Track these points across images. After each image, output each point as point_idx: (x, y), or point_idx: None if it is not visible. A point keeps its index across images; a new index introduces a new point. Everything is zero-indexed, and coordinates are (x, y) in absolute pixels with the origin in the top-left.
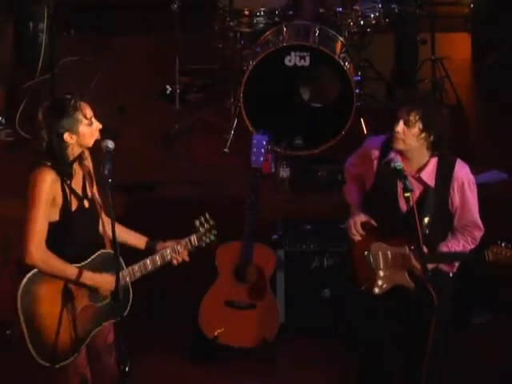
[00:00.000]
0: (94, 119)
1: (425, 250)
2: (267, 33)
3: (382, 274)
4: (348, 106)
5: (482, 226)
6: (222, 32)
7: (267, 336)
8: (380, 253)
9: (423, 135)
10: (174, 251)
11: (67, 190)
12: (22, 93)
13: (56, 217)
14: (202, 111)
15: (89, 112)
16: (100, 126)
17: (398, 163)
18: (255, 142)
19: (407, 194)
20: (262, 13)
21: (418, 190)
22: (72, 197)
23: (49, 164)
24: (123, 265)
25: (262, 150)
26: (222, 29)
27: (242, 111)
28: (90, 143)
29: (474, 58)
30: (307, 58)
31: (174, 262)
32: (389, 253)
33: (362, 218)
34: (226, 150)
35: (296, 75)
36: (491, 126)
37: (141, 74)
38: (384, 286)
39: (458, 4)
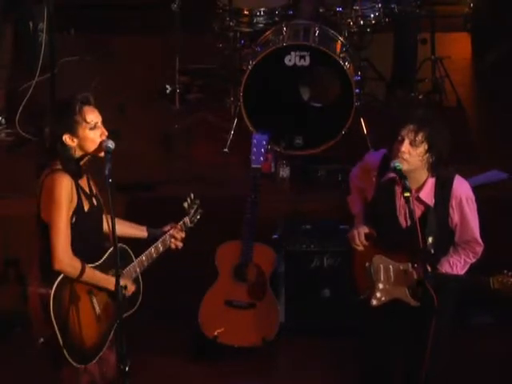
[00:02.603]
0: (99, 125)
1: (429, 269)
2: (267, 32)
3: (381, 286)
4: (348, 105)
5: (481, 242)
6: (222, 32)
7: (267, 335)
8: (382, 266)
9: (426, 156)
10: (173, 236)
11: (80, 191)
12: (22, 93)
13: (72, 219)
14: (202, 111)
15: (93, 117)
16: (105, 133)
17: (398, 163)
18: (255, 141)
19: (407, 194)
20: (262, 12)
21: (418, 210)
22: (84, 197)
23: (60, 167)
24: (133, 257)
25: (262, 150)
26: (221, 28)
27: (241, 111)
28: (91, 148)
29: (474, 58)
30: (307, 58)
31: (173, 246)
32: (390, 267)
33: (365, 229)
34: (226, 149)
35: (296, 75)
36: (491, 126)
37: (141, 74)
38: (382, 298)
39: (458, 3)
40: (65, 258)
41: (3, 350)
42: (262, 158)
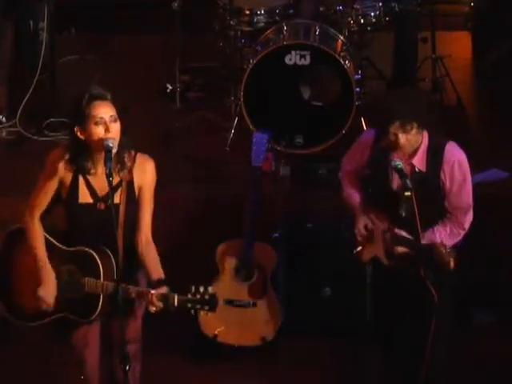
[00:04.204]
0: (105, 120)
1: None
2: (267, 31)
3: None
4: (348, 104)
5: (471, 208)
6: (223, 31)
7: (267, 335)
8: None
9: (419, 129)
10: (150, 296)
11: (80, 181)
12: (23, 91)
13: (65, 197)
14: (203, 110)
15: (99, 112)
16: (113, 131)
17: (398, 162)
18: (255, 140)
19: (407, 194)
20: (263, 11)
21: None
22: (84, 190)
23: (67, 148)
24: (101, 272)
25: (263, 149)
26: (222, 27)
27: (242, 110)
28: (98, 144)
29: (475, 57)
30: (307, 57)
31: (150, 307)
32: (375, 225)
33: (365, 220)
34: (227, 148)
35: (296, 74)
36: (491, 125)
37: (141, 73)
38: (368, 255)
39: (458, 2)
40: (27, 214)
41: (4, 349)
42: (262, 157)
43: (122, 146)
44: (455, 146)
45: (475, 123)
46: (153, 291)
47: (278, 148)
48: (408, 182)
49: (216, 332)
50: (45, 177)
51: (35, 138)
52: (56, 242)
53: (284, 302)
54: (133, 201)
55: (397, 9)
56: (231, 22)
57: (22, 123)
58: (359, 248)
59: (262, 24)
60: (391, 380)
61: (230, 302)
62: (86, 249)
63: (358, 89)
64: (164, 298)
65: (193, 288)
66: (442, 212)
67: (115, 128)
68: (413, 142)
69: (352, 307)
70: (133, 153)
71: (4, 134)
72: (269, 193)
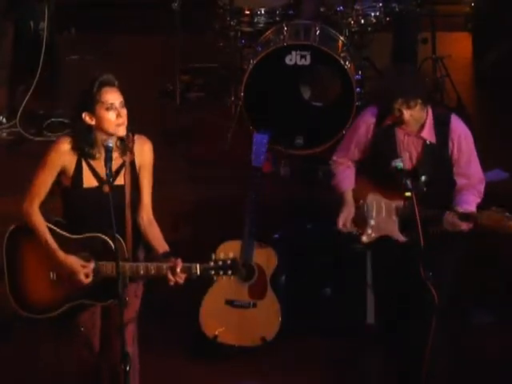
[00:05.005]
0: (116, 106)
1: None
2: (268, 32)
3: (372, 223)
4: (349, 105)
5: (483, 176)
6: (223, 31)
7: (267, 335)
8: (374, 203)
9: (423, 105)
10: (171, 270)
11: (84, 167)
12: (23, 92)
13: (68, 184)
14: (203, 110)
15: (109, 97)
16: (123, 116)
17: (399, 163)
18: (256, 140)
19: (408, 194)
20: (263, 12)
21: (416, 149)
22: (88, 175)
23: (72, 135)
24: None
25: (263, 149)
26: (222, 28)
27: (242, 110)
28: (110, 130)
29: (475, 57)
30: (308, 57)
31: (170, 282)
32: (383, 204)
33: (351, 213)
34: (227, 148)
35: (297, 74)
36: (491, 125)
37: (141, 73)
38: (372, 235)
39: (458, 3)
40: (25, 206)
41: (4, 348)
42: (262, 158)
43: (128, 130)
44: (458, 118)
45: (475, 123)
46: (178, 264)
47: (278, 148)
48: (408, 182)
49: (216, 332)
50: (46, 167)
51: (35, 138)
52: (61, 232)
53: (284, 302)
54: (136, 181)
55: (397, 9)
56: (231, 23)
57: (22, 124)
58: (357, 230)
59: (262, 24)
60: (391, 380)
61: (230, 303)
62: (98, 234)
63: (358, 89)
64: (187, 268)
65: (213, 255)
66: (453, 185)
67: (125, 113)
68: (417, 117)
69: (352, 307)
70: (130, 134)
71: (4, 134)
72: (269, 193)
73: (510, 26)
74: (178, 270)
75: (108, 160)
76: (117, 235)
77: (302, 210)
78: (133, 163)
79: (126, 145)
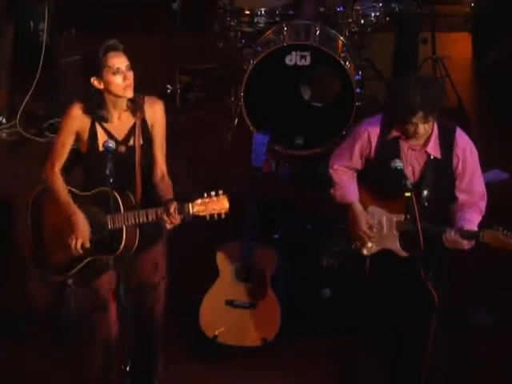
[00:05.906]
0: (122, 70)
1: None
2: (268, 32)
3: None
4: (349, 105)
5: (485, 194)
6: (223, 31)
7: (267, 335)
8: (375, 216)
9: (434, 117)
10: (166, 211)
11: (98, 130)
12: (23, 92)
13: (84, 150)
14: (203, 110)
15: (116, 61)
16: (129, 79)
17: (399, 163)
18: (256, 141)
19: (408, 194)
20: (263, 12)
21: (418, 165)
22: (103, 137)
23: (82, 100)
24: (121, 207)
25: (263, 150)
26: (222, 28)
27: (242, 110)
28: (119, 93)
29: (475, 58)
30: (308, 58)
31: (166, 223)
32: (384, 217)
33: (366, 219)
34: (227, 149)
35: (296, 74)
36: (491, 125)
37: (141, 74)
38: (373, 248)
39: (458, 3)
40: (46, 170)
41: (5, 347)
42: (262, 158)
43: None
44: (463, 132)
45: (475, 124)
46: (172, 205)
47: (278, 149)
48: (408, 182)
49: (216, 333)
50: (62, 132)
51: (35, 138)
52: (76, 191)
53: (284, 303)
54: (149, 140)
55: (397, 9)
56: (231, 23)
57: (23, 124)
58: (357, 243)
59: (262, 24)
60: (391, 380)
61: (230, 303)
62: (105, 188)
63: (358, 89)
64: (180, 209)
65: (205, 194)
66: (453, 201)
67: (131, 75)
68: (428, 129)
69: (351, 307)
70: (141, 95)
71: (4, 135)
72: (269, 193)
73: (510, 26)
74: (172, 210)
75: (109, 161)
76: (126, 190)
77: (302, 209)
78: (144, 122)
79: (136, 103)
